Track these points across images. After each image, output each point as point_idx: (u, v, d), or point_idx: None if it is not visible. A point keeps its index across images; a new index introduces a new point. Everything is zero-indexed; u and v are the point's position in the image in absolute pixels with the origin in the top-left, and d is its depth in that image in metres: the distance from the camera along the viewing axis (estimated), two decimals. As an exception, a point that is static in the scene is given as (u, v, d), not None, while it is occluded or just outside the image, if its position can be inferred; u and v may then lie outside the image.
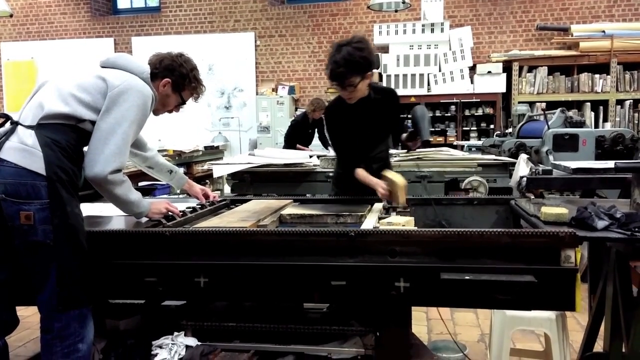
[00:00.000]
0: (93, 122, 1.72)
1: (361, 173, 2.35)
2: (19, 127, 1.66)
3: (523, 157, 3.40)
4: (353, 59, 2.13)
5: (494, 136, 5.84)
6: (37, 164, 1.60)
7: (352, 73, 2.16)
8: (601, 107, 7.25)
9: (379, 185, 2.21)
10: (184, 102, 2.00)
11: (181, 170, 2.38)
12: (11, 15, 6.67)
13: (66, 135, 1.68)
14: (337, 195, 2.59)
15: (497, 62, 7.60)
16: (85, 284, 1.67)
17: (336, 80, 2.19)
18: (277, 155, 4.38)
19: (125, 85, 1.74)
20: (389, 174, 2.20)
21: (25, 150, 1.61)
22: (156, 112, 1.98)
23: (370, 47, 2.22)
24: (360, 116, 2.35)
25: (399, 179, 2.13)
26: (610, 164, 2.72)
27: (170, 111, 2.02)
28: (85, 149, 1.77)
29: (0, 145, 1.63)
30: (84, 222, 1.72)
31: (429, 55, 7.75)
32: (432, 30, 7.80)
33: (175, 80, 1.91)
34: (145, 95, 1.78)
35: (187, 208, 2.13)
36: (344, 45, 2.16)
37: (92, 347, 1.72)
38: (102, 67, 1.86)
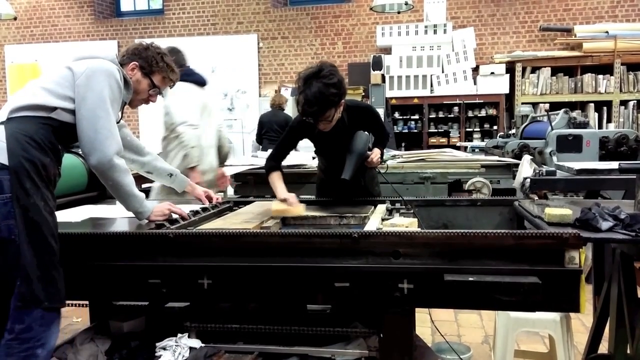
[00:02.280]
0: (65, 110, 1.70)
1: (274, 176, 2.32)
2: None
3: (527, 158, 3.39)
4: (325, 97, 2.04)
5: (497, 137, 5.83)
6: (0, 156, 1.57)
7: (326, 109, 2.08)
8: (605, 108, 7.23)
9: (281, 196, 2.18)
10: (157, 88, 1.94)
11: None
12: (15, 18, 6.70)
13: (35, 126, 1.65)
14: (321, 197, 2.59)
15: (500, 63, 7.59)
16: (47, 283, 1.57)
17: (310, 117, 2.11)
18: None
19: (90, 69, 1.74)
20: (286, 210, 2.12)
21: None
22: (132, 103, 1.95)
23: (340, 76, 2.12)
24: (331, 137, 2.28)
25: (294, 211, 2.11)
26: (614, 164, 2.72)
27: (146, 101, 1.97)
28: (75, 142, 1.77)
29: None
30: (52, 216, 1.63)
31: (431, 57, 7.75)
32: (435, 32, 7.80)
33: (143, 63, 1.89)
34: (111, 71, 1.76)
35: (190, 211, 2.14)
36: (313, 78, 2.05)
37: (51, 355, 1.65)
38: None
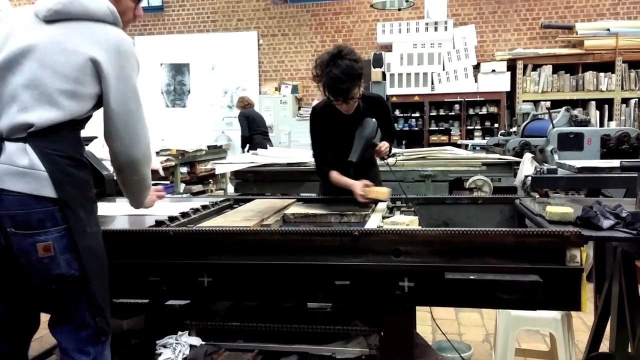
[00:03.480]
0: (92, 109, 1.51)
1: (335, 176, 2.34)
2: (5, 143, 1.38)
3: (528, 156, 3.38)
4: (354, 71, 2.10)
5: (499, 135, 5.82)
6: (45, 188, 1.37)
7: (356, 86, 2.15)
8: (606, 106, 7.21)
9: (357, 187, 2.17)
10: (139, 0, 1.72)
11: None
12: (15, 15, 6.67)
13: (66, 139, 1.45)
14: (324, 194, 2.58)
15: (501, 60, 7.58)
16: (109, 309, 1.55)
17: (341, 96, 2.15)
18: (280, 154, 4.39)
19: (115, 51, 1.45)
20: (374, 192, 2.16)
21: (25, 175, 1.36)
22: None
23: (360, 56, 2.22)
24: (347, 124, 2.29)
25: (383, 195, 2.14)
26: (615, 163, 2.71)
27: (134, 18, 1.74)
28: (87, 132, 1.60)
29: None
30: (102, 238, 1.56)
31: (432, 54, 7.74)
32: (436, 29, 7.78)
33: None
34: (133, 50, 1.54)
35: (190, 208, 2.13)
36: (337, 58, 2.10)
37: None
38: (51, 20, 1.44)
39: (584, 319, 3.04)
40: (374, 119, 2.22)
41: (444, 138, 7.72)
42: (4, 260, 1.41)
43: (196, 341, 1.76)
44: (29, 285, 1.44)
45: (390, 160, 2.49)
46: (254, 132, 7.04)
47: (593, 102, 7.21)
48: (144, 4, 1.83)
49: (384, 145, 2.30)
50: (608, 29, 7.29)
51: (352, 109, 2.25)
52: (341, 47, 2.18)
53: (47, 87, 1.40)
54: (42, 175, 1.37)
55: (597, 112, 7.20)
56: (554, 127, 4.25)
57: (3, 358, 1.52)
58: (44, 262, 1.37)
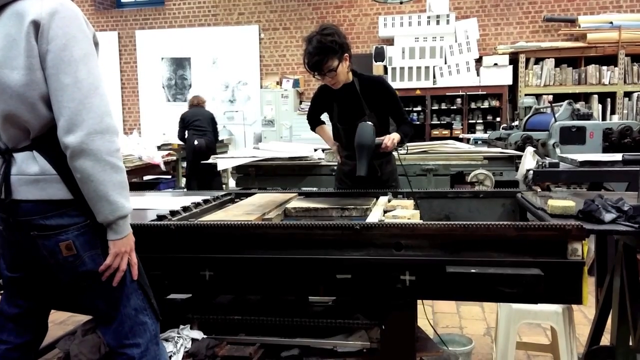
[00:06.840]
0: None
1: (319, 130, 2.74)
2: (13, 154, 1.37)
3: (530, 150, 3.38)
4: (324, 45, 2.24)
5: (500, 129, 5.80)
6: (59, 191, 1.35)
7: (327, 58, 2.25)
8: (609, 100, 7.18)
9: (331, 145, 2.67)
10: None
11: None
12: (16, 10, 6.66)
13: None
14: (340, 189, 2.59)
15: (503, 54, 7.54)
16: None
17: (315, 69, 2.30)
18: (281, 148, 4.38)
19: (47, 16, 1.33)
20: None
21: (38, 181, 1.34)
22: None
23: (338, 32, 2.30)
24: (344, 103, 2.45)
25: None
26: (617, 156, 2.71)
27: None
28: None
29: (6, 184, 1.35)
30: None
31: (434, 48, 7.70)
32: (438, 22, 7.74)
33: None
34: (74, 11, 1.43)
35: (191, 202, 2.14)
36: (313, 36, 2.28)
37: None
38: None
39: (585, 313, 3.05)
40: (369, 122, 2.23)
41: (446, 132, 7.70)
42: (32, 262, 1.45)
43: (198, 335, 1.77)
44: (54, 285, 1.49)
45: (401, 151, 2.50)
46: (188, 128, 6.40)
47: (595, 96, 7.18)
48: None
49: (389, 141, 2.29)
50: (611, 22, 7.24)
51: (338, 84, 2.38)
52: (323, 25, 2.33)
53: (11, 87, 1.29)
54: (55, 179, 1.35)
55: (600, 106, 7.17)
56: (556, 120, 4.24)
57: (19, 352, 1.56)
58: (70, 261, 1.38)
